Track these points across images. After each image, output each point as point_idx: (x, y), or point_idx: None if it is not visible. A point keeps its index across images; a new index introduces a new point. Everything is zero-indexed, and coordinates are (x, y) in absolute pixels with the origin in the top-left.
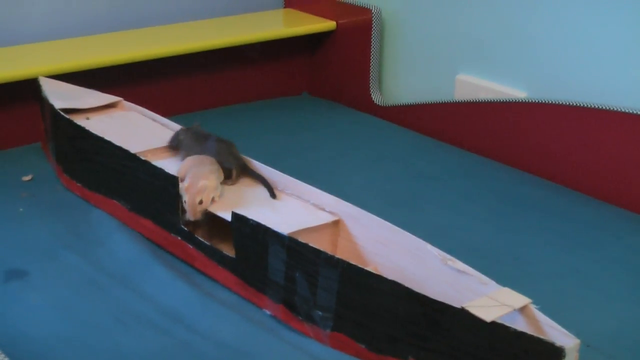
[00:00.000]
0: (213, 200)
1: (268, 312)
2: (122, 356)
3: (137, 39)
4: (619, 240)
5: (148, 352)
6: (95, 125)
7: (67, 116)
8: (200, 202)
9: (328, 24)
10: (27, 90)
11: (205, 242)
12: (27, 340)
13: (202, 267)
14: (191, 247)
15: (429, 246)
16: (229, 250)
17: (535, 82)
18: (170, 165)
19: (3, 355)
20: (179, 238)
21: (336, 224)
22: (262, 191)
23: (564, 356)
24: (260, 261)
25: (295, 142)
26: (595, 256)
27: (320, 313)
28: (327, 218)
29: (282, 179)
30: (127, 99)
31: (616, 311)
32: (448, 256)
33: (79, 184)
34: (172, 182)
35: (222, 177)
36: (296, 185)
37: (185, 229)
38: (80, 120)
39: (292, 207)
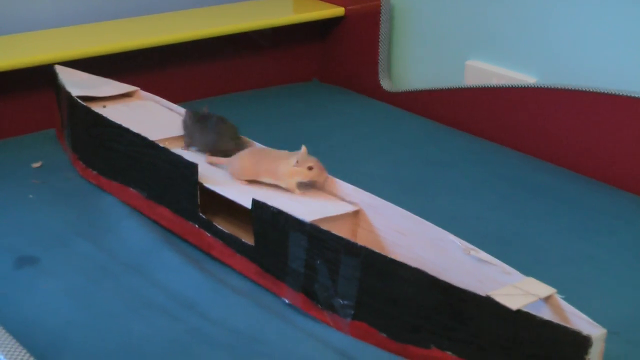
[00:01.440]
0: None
1: (287, 301)
2: (134, 342)
3: (145, 26)
4: (632, 226)
5: (160, 339)
6: (112, 113)
7: (84, 103)
8: (310, 168)
9: (336, 10)
10: (36, 78)
11: (224, 230)
12: (39, 326)
13: (219, 256)
14: (209, 235)
15: (450, 236)
16: (246, 239)
17: (545, 68)
18: (188, 153)
19: (14, 341)
20: (197, 226)
21: (356, 214)
22: None
23: (591, 345)
24: (280, 249)
25: (305, 129)
26: (608, 242)
27: (340, 301)
28: (347, 208)
29: None
30: (136, 85)
31: (630, 297)
32: (470, 246)
33: (94, 172)
34: (191, 169)
35: None
36: None
37: (204, 216)
38: (97, 109)
39: (311, 197)
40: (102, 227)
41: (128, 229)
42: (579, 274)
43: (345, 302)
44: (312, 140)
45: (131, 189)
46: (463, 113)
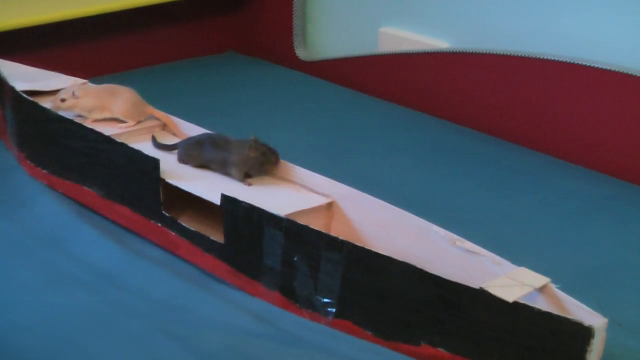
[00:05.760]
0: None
1: (262, 301)
2: (53, 316)
3: None
4: (545, 184)
5: (79, 311)
6: None
7: (31, 99)
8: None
9: None
10: None
11: (190, 227)
12: None
13: (186, 255)
14: (174, 233)
15: (434, 227)
16: (215, 236)
17: (457, 33)
18: (147, 148)
19: None
20: (160, 225)
21: (330, 206)
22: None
23: (593, 336)
24: (254, 246)
25: (221, 100)
26: (524, 200)
27: (321, 299)
28: (320, 200)
29: None
30: (49, 61)
31: (552, 253)
32: (455, 236)
33: (45, 171)
34: (153, 164)
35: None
36: (284, 167)
37: (167, 214)
38: (45, 104)
39: (280, 189)
40: (16, 203)
41: (43, 204)
42: (499, 232)
43: (326, 299)
44: (230, 111)
45: (86, 187)
46: (378, 80)
